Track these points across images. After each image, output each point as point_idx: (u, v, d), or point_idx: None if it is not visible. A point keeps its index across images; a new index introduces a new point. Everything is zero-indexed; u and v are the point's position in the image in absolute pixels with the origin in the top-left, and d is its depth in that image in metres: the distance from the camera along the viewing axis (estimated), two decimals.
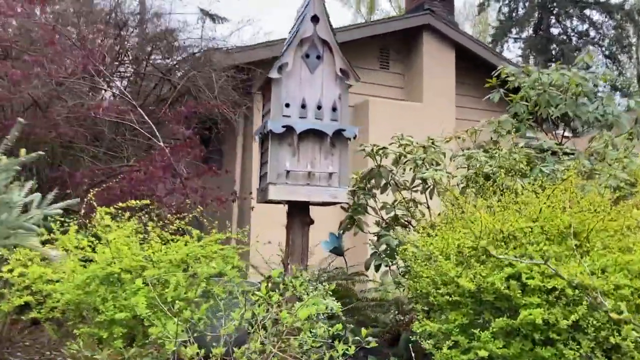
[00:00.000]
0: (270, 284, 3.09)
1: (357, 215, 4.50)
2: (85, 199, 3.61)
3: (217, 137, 7.74)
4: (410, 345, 3.38)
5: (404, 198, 4.64)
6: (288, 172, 3.62)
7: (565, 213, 3.12)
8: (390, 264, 4.35)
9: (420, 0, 9.22)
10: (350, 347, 2.57)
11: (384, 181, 4.43)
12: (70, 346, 2.90)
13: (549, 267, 2.12)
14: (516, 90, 5.10)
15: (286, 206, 3.89)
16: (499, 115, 5.00)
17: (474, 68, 9.21)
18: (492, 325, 2.86)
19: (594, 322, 2.69)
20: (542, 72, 4.79)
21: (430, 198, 4.38)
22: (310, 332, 2.65)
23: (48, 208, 3.31)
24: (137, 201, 3.43)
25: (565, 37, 25.18)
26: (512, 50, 35.44)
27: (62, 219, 3.58)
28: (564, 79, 4.72)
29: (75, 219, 3.51)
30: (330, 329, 2.74)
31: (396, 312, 4.95)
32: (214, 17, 20.63)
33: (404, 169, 4.61)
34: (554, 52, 24.65)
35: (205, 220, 3.67)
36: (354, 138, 3.76)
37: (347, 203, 4.55)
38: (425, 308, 3.24)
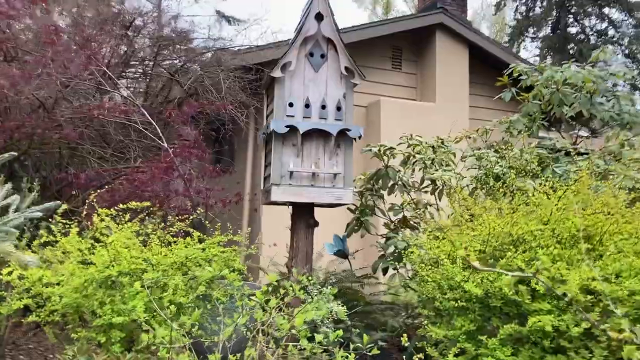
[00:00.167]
0: (271, 288, 3.01)
1: (364, 216, 4.40)
2: (87, 201, 3.56)
3: (229, 138, 7.69)
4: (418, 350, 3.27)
5: (412, 199, 4.53)
6: (291, 172, 3.54)
7: (577, 215, 3.00)
8: (398, 266, 4.25)
9: None
10: (350, 354, 2.47)
11: (391, 182, 4.32)
12: (66, 351, 2.84)
13: (538, 280, 1.99)
14: (529, 89, 4.97)
15: (290, 208, 3.81)
16: (513, 116, 4.88)
17: (488, 67, 9.05)
18: (500, 332, 2.75)
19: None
20: (555, 69, 4.65)
21: (439, 199, 4.27)
22: (310, 337, 2.55)
23: (28, 211, 3.26)
24: (138, 203, 3.36)
25: (583, 36, 24.79)
26: (530, 49, 35.04)
27: (64, 221, 3.53)
28: (578, 76, 4.58)
29: (75, 221, 3.46)
30: (330, 334, 2.64)
31: (406, 315, 4.85)
32: (229, 19, 20.67)
33: (413, 170, 4.50)
34: (572, 52, 24.27)
35: (208, 222, 3.60)
36: (359, 138, 3.67)
37: (354, 204, 4.46)
38: (432, 313, 3.14)
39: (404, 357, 3.97)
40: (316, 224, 3.78)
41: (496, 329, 2.82)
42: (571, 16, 25.08)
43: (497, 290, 2.79)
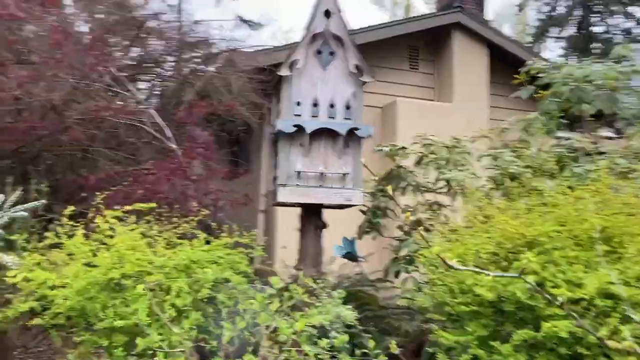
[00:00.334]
0: (275, 292, 2.93)
1: (376, 218, 4.30)
2: (92, 202, 3.52)
3: (245, 140, 7.66)
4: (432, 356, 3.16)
5: (427, 200, 4.42)
6: (299, 173, 3.46)
7: (596, 215, 2.86)
8: (410, 270, 4.13)
9: None
10: None
11: (404, 183, 4.21)
12: (68, 355, 2.79)
13: (526, 281, 1.88)
14: (548, 87, 4.81)
15: (300, 209, 3.73)
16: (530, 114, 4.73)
17: (508, 67, 8.85)
18: (514, 338, 2.63)
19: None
20: (574, 65, 4.50)
21: (454, 200, 4.15)
22: (312, 342, 2.47)
23: (11, 211, 3.22)
24: (144, 204, 3.31)
25: (608, 35, 24.31)
26: (553, 50, 34.55)
27: (71, 223, 3.50)
28: (599, 73, 4.41)
29: (81, 223, 3.43)
30: (334, 340, 2.55)
31: (421, 320, 4.73)
32: (250, 23, 20.72)
33: (427, 170, 4.39)
34: (596, 51, 23.81)
35: (215, 223, 3.53)
36: (369, 137, 3.57)
37: (365, 206, 4.37)
38: (443, 318, 3.02)
39: None
40: (325, 225, 3.69)
41: (510, 335, 2.70)
42: (596, 15, 24.64)
43: (511, 294, 2.67)
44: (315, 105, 3.52)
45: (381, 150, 4.25)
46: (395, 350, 2.64)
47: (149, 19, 6.38)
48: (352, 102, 3.58)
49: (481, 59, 8.68)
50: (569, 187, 3.14)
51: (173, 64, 6.51)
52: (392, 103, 8.11)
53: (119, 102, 4.45)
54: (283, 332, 2.30)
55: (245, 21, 20.19)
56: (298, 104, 3.51)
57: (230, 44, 6.15)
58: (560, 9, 25.03)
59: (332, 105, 3.54)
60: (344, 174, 3.51)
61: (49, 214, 4.29)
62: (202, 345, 2.67)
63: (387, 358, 2.78)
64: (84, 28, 4.97)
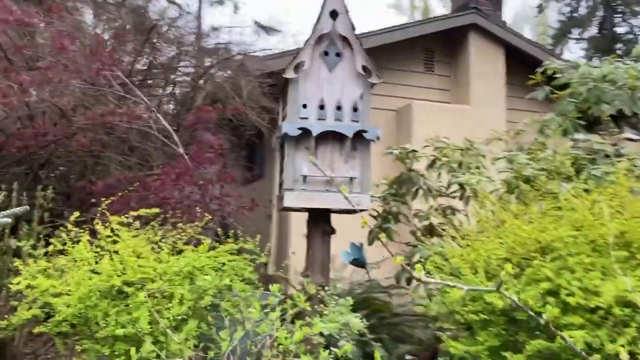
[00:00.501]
0: (277, 300, 2.85)
1: (387, 223, 4.19)
2: (98, 208, 3.48)
3: (259, 145, 7.60)
4: None
5: (440, 205, 4.30)
6: (305, 177, 3.37)
7: (614, 220, 2.73)
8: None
9: None
10: None
11: (415, 187, 4.11)
12: None
13: (505, 295, 1.76)
14: (565, 87, 4.67)
15: (306, 214, 3.64)
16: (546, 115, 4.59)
17: (526, 68, 8.64)
18: (527, 348, 2.51)
19: None
20: (592, 65, 4.35)
21: (467, 204, 4.03)
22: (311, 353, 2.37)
23: None
24: (148, 210, 3.26)
25: (632, 36, 23.85)
26: (574, 51, 33.96)
27: (76, 229, 3.47)
28: (619, 72, 4.26)
29: (86, 229, 3.39)
30: (338, 350, 2.46)
31: (435, 328, 4.61)
32: (268, 30, 20.80)
33: (439, 174, 4.27)
34: (619, 52, 23.37)
35: (220, 229, 3.47)
36: (377, 140, 3.47)
37: (376, 211, 4.27)
38: (453, 327, 2.91)
39: None
40: (333, 231, 3.60)
41: (523, 345, 2.58)
42: (618, 16, 24.21)
43: (523, 302, 2.55)
44: (321, 107, 3.44)
45: (391, 153, 4.15)
46: None
47: (162, 25, 6.38)
48: (360, 104, 3.48)
49: (498, 60, 8.52)
50: (585, 190, 3.01)
51: (185, 69, 6.50)
52: (407, 106, 7.99)
53: (126, 108, 4.41)
54: (281, 343, 2.21)
55: (262, 27, 20.26)
56: (304, 106, 3.43)
57: (241, 48, 6.11)
58: (582, 10, 24.66)
59: (339, 108, 3.46)
60: (352, 178, 3.42)
61: (60, 219, 4.28)
62: (203, 355, 2.60)
63: None
64: (98, 33, 4.98)
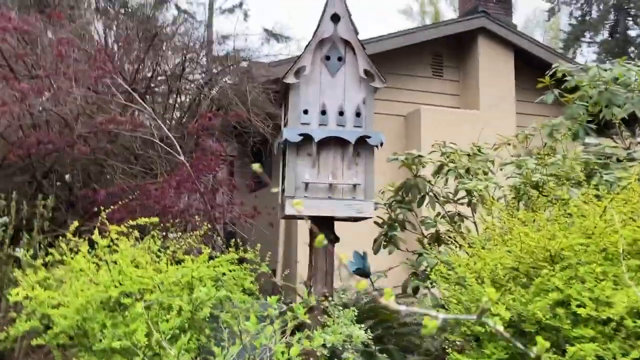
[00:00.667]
0: (278, 312, 2.76)
1: (392, 231, 4.10)
2: (99, 217, 3.43)
3: (266, 151, 7.53)
4: None
5: (447, 212, 4.20)
6: (307, 184, 3.29)
7: (626, 227, 2.62)
8: (430, 286, 3.91)
9: (474, 2, 8.71)
10: None
11: (421, 193, 4.01)
12: None
13: (488, 325, 1.66)
14: (575, 90, 4.55)
15: (309, 222, 3.56)
16: (556, 119, 4.47)
17: (536, 72, 8.52)
18: None
19: None
20: (603, 67, 4.24)
21: (475, 211, 3.92)
22: None
23: None
24: (147, 219, 3.20)
25: None
26: (586, 55, 33.63)
27: (75, 239, 3.41)
28: (630, 74, 4.14)
29: (85, 238, 3.33)
30: None
31: (444, 337, 4.49)
32: (277, 37, 20.82)
33: (446, 180, 4.17)
34: (632, 55, 23.09)
35: (220, 237, 3.39)
36: (381, 145, 3.39)
37: (381, 218, 4.18)
38: (460, 338, 2.81)
39: None
40: (336, 239, 3.51)
41: (531, 358, 2.48)
42: (630, 19, 23.95)
43: (531, 314, 2.45)
44: (323, 113, 3.36)
45: (397, 159, 4.06)
46: None
47: (167, 32, 6.36)
48: (363, 108, 3.40)
49: (507, 64, 8.40)
50: (596, 196, 2.90)
51: (190, 76, 6.46)
52: (416, 111, 7.89)
53: (128, 115, 4.36)
54: (277, 358, 2.13)
55: (272, 34, 20.28)
56: (305, 112, 3.35)
57: (246, 54, 6.06)
58: (594, 14, 24.44)
59: (341, 113, 3.38)
60: (355, 185, 3.33)
61: (63, 229, 4.23)
62: None
63: None
64: (99, 41, 4.96)
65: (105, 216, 3.38)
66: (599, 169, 3.74)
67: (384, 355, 3.70)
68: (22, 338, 3.70)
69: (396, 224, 4.12)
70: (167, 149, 4.27)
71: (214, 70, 6.47)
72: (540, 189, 3.39)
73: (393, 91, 7.99)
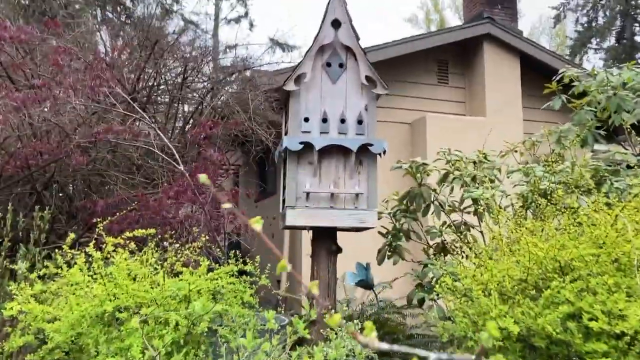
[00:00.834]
0: (279, 325, 2.67)
1: (397, 241, 4.00)
2: (96, 229, 3.35)
3: (270, 160, 7.46)
4: None
5: (453, 221, 4.10)
6: (308, 194, 3.21)
7: (639, 236, 2.51)
8: (436, 297, 3.80)
9: (479, 8, 8.64)
10: None
11: (426, 202, 3.91)
12: None
13: None
14: (583, 96, 4.45)
15: (310, 232, 3.47)
16: (564, 125, 4.37)
17: (543, 78, 8.44)
18: None
19: None
20: (611, 71, 4.14)
21: (481, 220, 3.82)
22: None
23: None
24: (143, 230, 3.12)
25: None
26: (593, 61, 33.53)
27: (73, 251, 3.34)
28: (639, 78, 4.04)
29: (81, 251, 3.25)
30: None
31: (451, 351, 4.38)
32: (283, 46, 20.85)
33: (452, 188, 4.08)
34: (639, 61, 22.90)
35: (220, 248, 3.30)
36: (384, 153, 3.30)
37: (385, 228, 4.08)
38: (467, 353, 2.70)
39: None
40: (339, 250, 3.42)
41: None
42: (637, 25, 23.82)
43: (541, 328, 2.34)
44: (324, 120, 3.28)
45: (400, 167, 3.96)
46: None
47: (170, 41, 6.32)
48: (365, 116, 3.32)
49: (513, 70, 8.31)
50: (607, 204, 2.79)
51: (193, 85, 6.41)
52: (421, 119, 7.81)
53: (126, 125, 4.29)
54: None
55: (279, 44, 20.32)
56: (306, 119, 3.27)
57: (249, 62, 5.99)
58: (600, 20, 24.35)
59: (342, 121, 3.30)
60: (357, 194, 3.24)
61: (63, 240, 4.16)
62: None
63: None
64: (97, 50, 4.91)
65: (102, 228, 3.31)
66: (608, 176, 3.63)
67: None
68: (18, 353, 3.62)
69: (401, 234, 4.02)
70: (167, 158, 4.20)
71: (219, 79, 6.42)
72: (549, 197, 3.29)
73: (398, 99, 7.92)
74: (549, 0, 27.39)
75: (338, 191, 3.23)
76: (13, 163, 3.98)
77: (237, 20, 20.56)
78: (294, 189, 3.21)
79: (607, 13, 24.19)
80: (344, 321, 3.25)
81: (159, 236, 3.27)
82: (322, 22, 3.36)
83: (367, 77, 3.32)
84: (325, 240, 3.38)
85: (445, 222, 4.13)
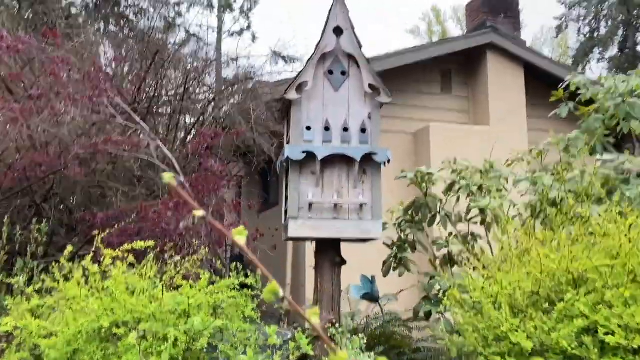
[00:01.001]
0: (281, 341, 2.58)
1: (402, 252, 3.90)
2: (94, 242, 3.27)
3: (272, 171, 7.40)
4: None
5: (459, 232, 4.01)
6: (311, 204, 3.12)
7: None
8: (443, 310, 3.70)
9: (482, 18, 8.59)
10: None
11: (432, 212, 3.82)
12: None
13: None
14: (589, 103, 4.37)
15: (313, 244, 3.38)
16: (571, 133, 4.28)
17: (547, 87, 8.35)
18: None
19: None
20: (619, 78, 4.06)
21: (489, 231, 3.73)
22: None
23: None
24: (142, 243, 3.03)
25: None
26: (595, 71, 33.52)
27: (70, 264, 3.25)
28: None
29: (79, 264, 3.17)
30: None
31: None
32: (285, 58, 20.88)
33: (458, 198, 3.99)
34: None
35: (220, 261, 3.22)
36: (388, 162, 3.22)
37: (390, 239, 3.99)
38: None
39: None
40: (343, 262, 3.33)
41: None
42: None
43: (555, 343, 2.24)
44: (327, 129, 3.21)
45: (405, 176, 3.88)
46: None
47: (171, 51, 6.28)
48: (368, 124, 3.24)
49: (517, 79, 8.24)
50: (620, 214, 2.70)
51: (195, 96, 6.36)
52: (425, 128, 7.73)
53: (126, 136, 4.24)
54: None
55: (281, 56, 20.34)
56: (308, 128, 3.20)
57: (250, 72, 5.95)
58: (602, 30, 24.35)
59: (345, 129, 3.22)
60: (361, 204, 3.16)
61: (62, 253, 4.08)
62: None
63: None
64: (96, 60, 4.86)
65: (100, 240, 3.22)
66: (619, 185, 3.54)
67: None
68: None
69: (406, 245, 3.93)
70: (166, 169, 4.13)
71: (221, 89, 6.37)
72: (559, 206, 3.20)
73: (401, 108, 7.85)
74: (552, 11, 27.45)
75: (342, 201, 3.14)
76: (11, 175, 3.91)
77: (240, 33, 20.63)
78: (296, 200, 3.13)
79: (609, 23, 24.18)
80: (349, 335, 3.15)
81: (159, 248, 3.18)
82: (324, 29, 3.30)
83: (370, 85, 3.25)
84: (329, 251, 3.30)
85: (451, 233, 4.03)
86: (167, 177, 0.71)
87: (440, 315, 3.69)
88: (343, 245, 3.39)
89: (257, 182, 9.31)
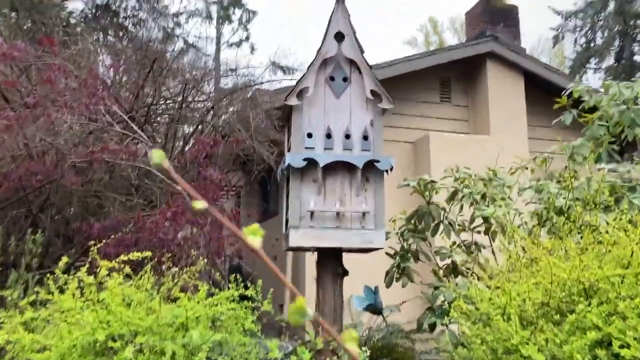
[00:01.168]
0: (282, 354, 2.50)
1: (405, 262, 3.82)
2: (89, 253, 3.19)
3: (272, 180, 7.33)
4: None
5: (463, 241, 3.94)
6: (312, 213, 3.05)
7: None
8: (448, 322, 3.62)
9: (482, 26, 8.57)
10: None
11: (435, 221, 3.75)
12: None
13: None
14: (593, 110, 4.32)
15: (315, 254, 3.30)
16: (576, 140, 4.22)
17: (547, 96, 8.34)
18: None
19: None
20: (623, 85, 4.01)
21: (493, 240, 3.66)
22: None
23: None
24: (139, 253, 2.95)
25: None
26: (592, 81, 33.61)
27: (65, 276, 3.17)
28: None
29: (74, 276, 3.08)
30: None
31: None
32: (284, 69, 20.87)
33: (461, 206, 3.92)
34: None
35: (219, 272, 3.13)
36: (391, 170, 3.15)
37: (392, 249, 3.91)
38: None
39: None
40: (345, 272, 3.25)
41: None
42: (636, 44, 23.88)
43: (567, 356, 2.16)
44: (328, 136, 3.14)
45: (408, 185, 3.81)
46: None
47: (169, 59, 6.23)
48: (370, 131, 3.18)
49: (517, 88, 8.21)
50: (629, 222, 2.63)
51: (193, 105, 6.29)
52: (425, 137, 7.68)
53: (122, 144, 4.16)
54: None
55: (280, 67, 20.33)
56: (309, 135, 3.13)
57: (248, 79, 5.89)
58: (598, 40, 24.42)
59: (347, 136, 3.15)
60: (364, 213, 3.08)
61: (57, 264, 4.00)
62: None
63: None
64: (93, 68, 4.80)
65: (96, 251, 3.14)
66: (625, 192, 3.48)
67: None
68: None
69: (409, 255, 3.85)
70: (165, 178, 4.05)
71: (220, 98, 6.32)
72: (566, 215, 3.13)
73: (401, 117, 7.80)
74: (548, 22, 27.55)
75: (344, 209, 3.07)
76: (7, 184, 3.83)
77: (239, 44, 20.67)
78: (297, 208, 3.05)
79: (606, 33, 24.25)
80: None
81: (156, 259, 3.10)
82: (325, 35, 3.24)
83: (372, 92, 3.19)
84: (331, 262, 3.22)
85: (455, 242, 3.96)
86: (157, 155, 0.63)
87: (445, 327, 3.61)
88: (344, 255, 3.31)
89: (256, 191, 9.24)
